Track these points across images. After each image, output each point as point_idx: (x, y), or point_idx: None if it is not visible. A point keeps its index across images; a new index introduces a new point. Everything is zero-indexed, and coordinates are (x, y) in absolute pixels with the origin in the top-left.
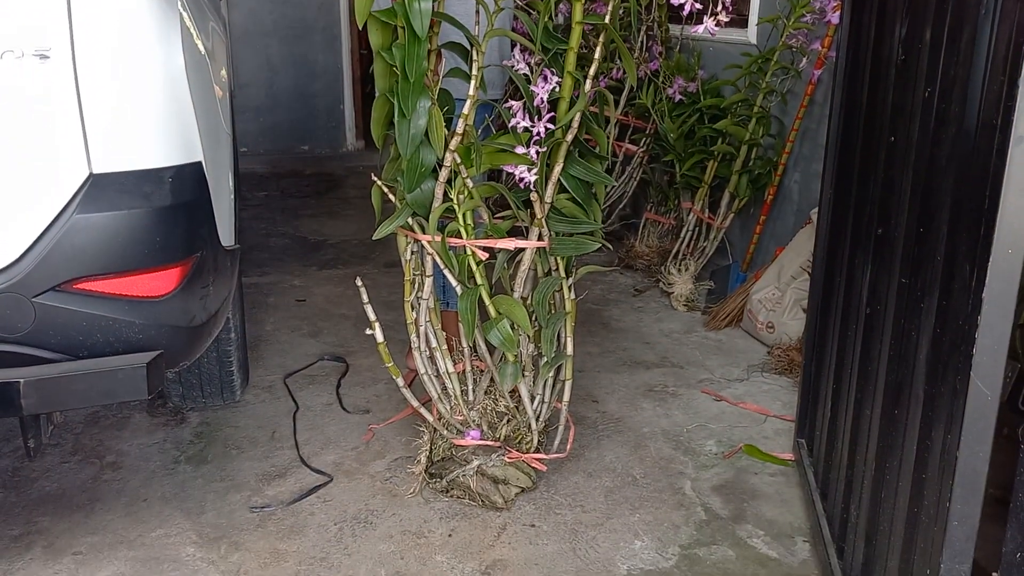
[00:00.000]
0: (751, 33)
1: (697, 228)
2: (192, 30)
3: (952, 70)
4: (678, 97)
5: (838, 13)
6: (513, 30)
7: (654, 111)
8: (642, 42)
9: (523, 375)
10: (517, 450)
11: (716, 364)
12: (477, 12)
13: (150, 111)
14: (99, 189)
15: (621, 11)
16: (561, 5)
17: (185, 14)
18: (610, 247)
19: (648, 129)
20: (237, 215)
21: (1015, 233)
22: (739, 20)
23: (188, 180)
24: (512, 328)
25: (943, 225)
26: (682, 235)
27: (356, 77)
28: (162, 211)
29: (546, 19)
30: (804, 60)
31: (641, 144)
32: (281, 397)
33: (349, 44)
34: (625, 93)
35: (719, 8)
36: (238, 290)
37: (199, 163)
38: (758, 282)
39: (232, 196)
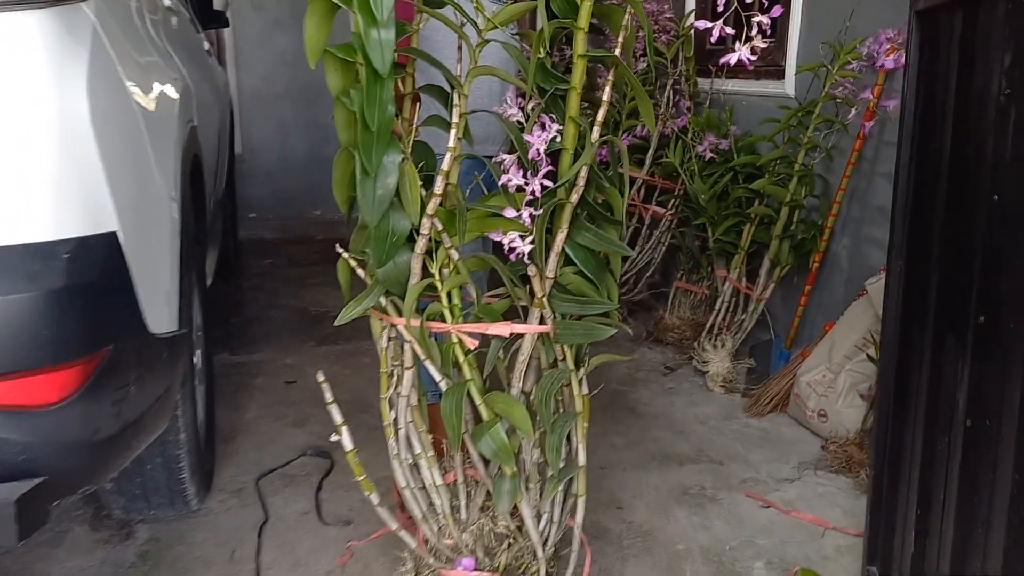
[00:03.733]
0: (788, 84)
1: (734, 299)
2: (117, 72)
3: None
4: (709, 155)
5: (894, 56)
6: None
7: (683, 171)
8: (668, 96)
9: (527, 489)
10: None
11: (761, 459)
12: (460, 48)
13: (36, 171)
14: None
15: (644, 64)
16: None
17: (107, 51)
18: (629, 330)
19: (677, 190)
20: (192, 293)
21: None
22: (775, 71)
23: (93, 255)
24: (509, 433)
25: None
26: (717, 307)
27: None
28: (53, 295)
29: (541, 53)
30: (852, 111)
31: (669, 206)
32: (251, 503)
33: None
34: (651, 151)
35: (754, 32)
36: (206, 380)
37: (112, 234)
38: (806, 361)
39: (178, 272)
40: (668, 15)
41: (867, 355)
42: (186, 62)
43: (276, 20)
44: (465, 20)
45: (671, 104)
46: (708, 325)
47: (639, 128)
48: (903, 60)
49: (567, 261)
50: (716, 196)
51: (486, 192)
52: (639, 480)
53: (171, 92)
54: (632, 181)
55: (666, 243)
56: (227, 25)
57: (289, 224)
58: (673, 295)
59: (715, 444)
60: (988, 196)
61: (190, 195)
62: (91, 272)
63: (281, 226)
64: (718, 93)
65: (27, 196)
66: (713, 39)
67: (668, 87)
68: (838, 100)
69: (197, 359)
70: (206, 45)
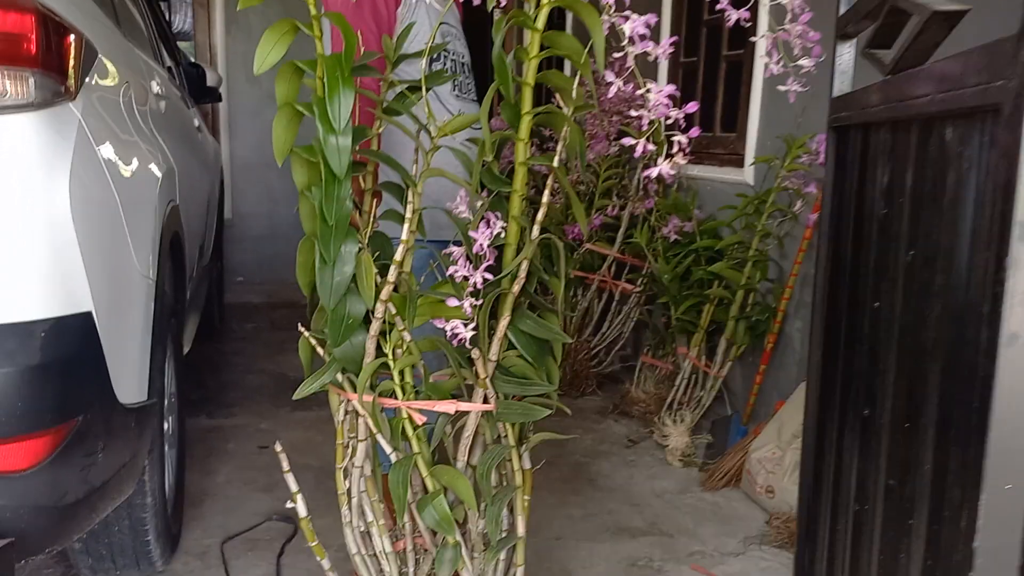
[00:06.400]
0: (747, 173)
1: (693, 376)
2: (100, 164)
3: (935, 232)
4: (674, 237)
5: None
6: None
7: (649, 251)
8: (638, 180)
9: (471, 558)
10: None
11: (710, 533)
12: (416, 151)
13: (19, 259)
14: None
15: (616, 149)
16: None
17: (91, 145)
18: (567, 411)
19: (645, 268)
20: (164, 363)
21: (1012, 464)
22: (735, 159)
23: (69, 334)
24: (455, 504)
25: (930, 427)
26: (676, 383)
27: None
28: (29, 371)
29: (488, 158)
30: (800, 203)
31: (638, 284)
32: (213, 566)
33: None
34: (622, 230)
35: (675, 150)
36: (177, 444)
37: (87, 313)
38: (757, 439)
39: (149, 346)
40: (640, 101)
41: None
42: (172, 143)
43: (269, 94)
44: (419, 127)
45: (640, 187)
46: (668, 400)
47: (610, 208)
48: None
49: (510, 346)
50: (679, 277)
51: (440, 278)
52: (591, 551)
53: (152, 175)
54: (603, 257)
55: (635, 318)
56: (219, 100)
57: (275, 288)
58: (639, 369)
59: (668, 517)
60: (871, 303)
61: (169, 270)
62: (65, 349)
63: (267, 290)
64: (685, 178)
65: (10, 281)
66: (636, 155)
67: (638, 170)
68: (790, 191)
69: (169, 425)
70: (197, 121)
